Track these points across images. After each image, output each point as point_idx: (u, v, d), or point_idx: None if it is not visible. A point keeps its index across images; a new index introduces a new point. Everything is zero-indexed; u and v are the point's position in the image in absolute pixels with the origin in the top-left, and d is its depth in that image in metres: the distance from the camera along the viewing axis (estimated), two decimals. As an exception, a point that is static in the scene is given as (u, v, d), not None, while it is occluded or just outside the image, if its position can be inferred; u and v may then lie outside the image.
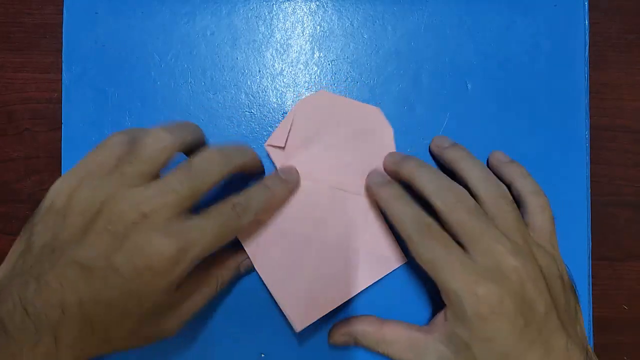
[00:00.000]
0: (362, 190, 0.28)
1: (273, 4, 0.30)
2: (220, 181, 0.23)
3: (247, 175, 0.28)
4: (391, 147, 0.29)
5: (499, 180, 0.26)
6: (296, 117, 0.29)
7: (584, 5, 0.30)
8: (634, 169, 0.31)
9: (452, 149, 0.28)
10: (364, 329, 0.27)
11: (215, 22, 0.30)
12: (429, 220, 0.24)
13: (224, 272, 0.27)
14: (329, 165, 0.28)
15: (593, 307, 0.29)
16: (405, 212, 0.25)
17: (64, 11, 0.30)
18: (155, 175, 0.23)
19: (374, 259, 0.28)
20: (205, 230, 0.22)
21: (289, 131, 0.28)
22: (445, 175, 0.26)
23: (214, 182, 0.23)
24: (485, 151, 0.29)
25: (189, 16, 0.30)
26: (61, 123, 0.29)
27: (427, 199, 0.25)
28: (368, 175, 0.28)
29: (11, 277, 0.21)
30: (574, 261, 0.29)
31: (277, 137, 0.29)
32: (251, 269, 0.28)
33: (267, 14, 0.30)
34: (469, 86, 0.30)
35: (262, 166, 0.28)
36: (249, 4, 0.30)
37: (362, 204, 0.28)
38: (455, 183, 0.25)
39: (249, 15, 0.30)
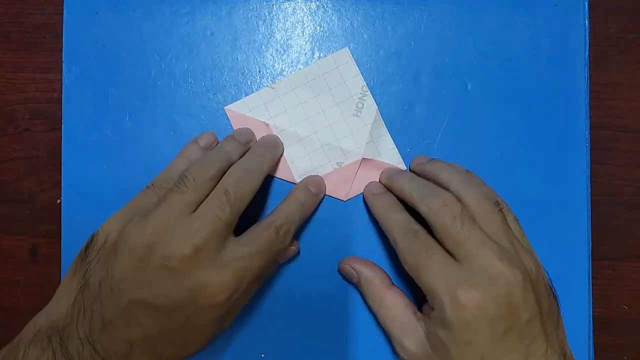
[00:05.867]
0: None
1: (273, 4, 0.30)
2: (258, 187, 0.25)
3: None
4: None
5: (482, 182, 0.26)
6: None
7: (584, 5, 0.30)
8: (634, 169, 0.31)
9: (430, 163, 0.28)
10: (372, 278, 0.27)
11: (215, 22, 0.30)
12: (416, 227, 0.25)
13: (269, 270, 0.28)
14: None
15: (593, 307, 0.29)
16: (394, 219, 0.26)
17: (64, 11, 0.30)
18: (199, 204, 0.23)
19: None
20: (254, 258, 0.23)
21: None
22: (433, 184, 0.26)
23: (249, 199, 0.24)
24: (485, 151, 0.29)
25: (189, 16, 0.30)
26: (61, 123, 0.29)
27: (415, 207, 0.25)
28: (366, 187, 0.29)
29: (73, 314, 0.22)
30: (574, 261, 0.29)
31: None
32: (289, 258, 0.29)
33: (267, 14, 0.30)
34: (469, 86, 0.30)
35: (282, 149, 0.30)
36: (249, 4, 0.30)
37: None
38: (442, 190, 0.25)
39: (249, 15, 0.30)
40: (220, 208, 0.23)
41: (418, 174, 0.28)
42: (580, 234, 0.29)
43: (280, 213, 0.26)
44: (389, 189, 0.28)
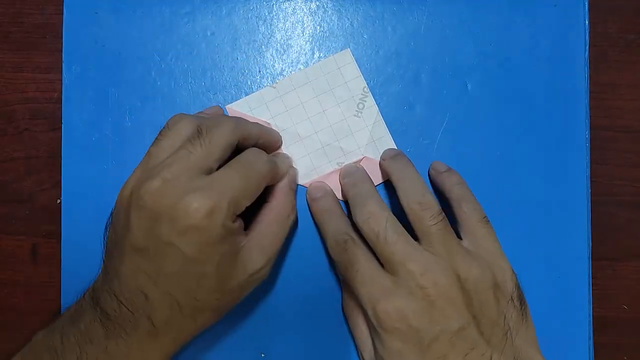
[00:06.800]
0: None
1: (273, 4, 0.30)
2: (234, 143, 0.24)
3: None
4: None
5: (426, 188, 0.26)
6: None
7: (584, 5, 0.30)
8: (634, 169, 0.31)
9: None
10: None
11: (215, 22, 0.30)
12: (346, 237, 0.26)
13: (281, 195, 0.27)
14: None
15: (593, 307, 0.29)
16: (326, 229, 0.27)
17: (64, 11, 0.30)
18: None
19: None
20: (232, 176, 0.22)
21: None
22: (366, 192, 0.26)
23: (226, 142, 0.23)
24: (485, 151, 0.29)
25: (189, 16, 0.30)
26: (61, 123, 0.29)
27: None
28: (307, 190, 0.29)
29: (103, 277, 0.23)
30: (574, 261, 0.29)
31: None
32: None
33: (267, 14, 0.30)
34: (469, 86, 0.30)
35: (280, 142, 0.29)
36: (249, 4, 0.30)
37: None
38: (369, 200, 0.25)
39: (249, 15, 0.30)
40: (192, 145, 0.22)
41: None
42: (580, 234, 0.29)
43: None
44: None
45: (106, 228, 0.24)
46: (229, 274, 0.23)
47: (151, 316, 0.22)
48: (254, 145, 0.26)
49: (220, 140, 0.23)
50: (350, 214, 0.27)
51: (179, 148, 0.23)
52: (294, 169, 0.29)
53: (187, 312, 0.23)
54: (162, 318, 0.22)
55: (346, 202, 0.28)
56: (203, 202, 0.21)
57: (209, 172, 0.22)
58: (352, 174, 0.28)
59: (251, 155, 0.24)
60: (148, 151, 0.24)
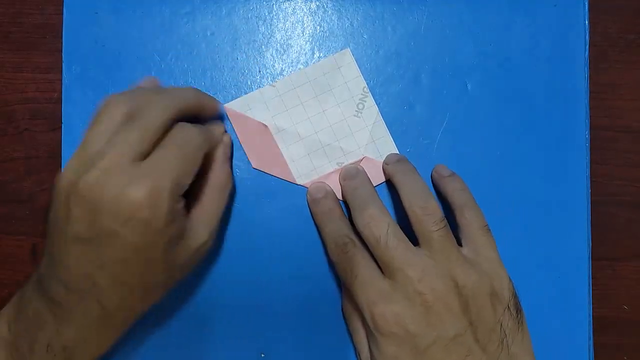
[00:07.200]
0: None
1: (273, 4, 0.30)
2: (168, 122, 0.23)
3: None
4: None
5: (430, 194, 0.26)
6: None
7: (584, 5, 0.30)
8: (634, 169, 0.31)
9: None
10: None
11: (215, 22, 0.30)
12: (346, 239, 0.26)
13: (218, 156, 0.26)
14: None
15: (593, 307, 0.29)
16: (326, 231, 0.27)
17: (64, 11, 0.30)
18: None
19: None
20: (169, 159, 0.22)
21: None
22: (366, 195, 0.26)
23: (160, 122, 0.23)
24: (485, 151, 0.29)
25: (189, 16, 0.30)
26: (61, 123, 0.29)
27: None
28: (308, 189, 0.29)
29: (48, 264, 0.23)
30: (574, 261, 0.29)
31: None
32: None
33: (267, 14, 0.30)
34: (469, 86, 0.30)
35: (217, 106, 0.28)
36: (249, 4, 0.30)
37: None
38: (370, 203, 0.25)
39: (249, 15, 0.30)
40: (125, 130, 0.22)
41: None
42: (580, 234, 0.29)
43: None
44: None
45: (47, 216, 0.24)
46: (176, 254, 0.23)
47: (100, 300, 0.22)
48: (194, 115, 0.26)
49: (155, 121, 0.22)
50: (350, 216, 0.27)
51: (114, 134, 0.22)
52: (228, 135, 0.28)
53: (138, 294, 0.23)
54: (112, 301, 0.22)
55: (346, 204, 0.28)
56: (144, 192, 0.21)
57: (147, 155, 0.22)
58: (353, 177, 0.28)
59: (184, 132, 0.23)
60: (83, 138, 0.23)
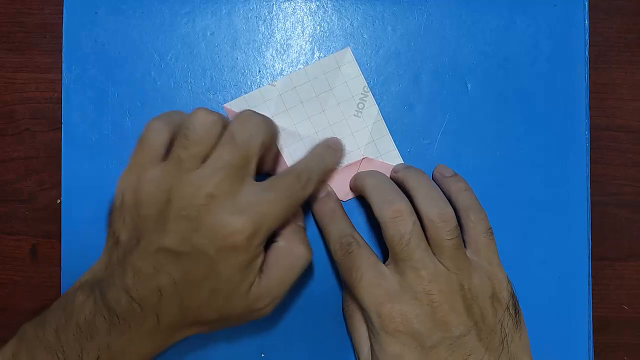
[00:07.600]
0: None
1: (273, 4, 0.30)
2: (268, 143, 0.24)
3: None
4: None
5: (445, 201, 0.26)
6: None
7: (584, 5, 0.30)
8: (634, 169, 0.31)
9: (401, 172, 0.28)
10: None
11: (215, 22, 0.30)
12: (350, 239, 0.26)
13: (295, 237, 0.25)
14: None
15: (593, 307, 0.29)
16: (329, 230, 0.27)
17: (64, 11, 0.30)
18: (208, 156, 0.23)
19: None
20: (275, 202, 0.23)
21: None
22: (396, 190, 0.26)
23: (260, 143, 0.23)
24: (485, 151, 0.29)
25: (189, 16, 0.30)
26: (61, 123, 0.29)
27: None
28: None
29: (110, 266, 0.23)
30: (574, 261, 0.29)
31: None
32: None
33: (267, 14, 0.30)
34: (469, 86, 0.30)
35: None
36: (249, 4, 0.30)
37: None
38: (398, 198, 0.25)
39: (249, 15, 0.30)
40: (228, 153, 0.22)
41: (394, 180, 0.28)
42: (580, 234, 0.29)
43: (300, 163, 0.26)
44: (353, 188, 0.29)
45: (109, 219, 0.24)
46: (237, 300, 0.23)
47: (159, 314, 0.22)
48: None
49: (255, 145, 0.23)
50: (348, 217, 0.27)
51: (214, 158, 0.22)
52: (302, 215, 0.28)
53: (190, 319, 0.23)
54: (168, 319, 0.22)
55: (359, 197, 0.28)
56: (246, 226, 0.21)
57: (250, 177, 0.23)
58: (374, 173, 0.28)
59: (294, 179, 0.24)
60: (175, 155, 0.22)
